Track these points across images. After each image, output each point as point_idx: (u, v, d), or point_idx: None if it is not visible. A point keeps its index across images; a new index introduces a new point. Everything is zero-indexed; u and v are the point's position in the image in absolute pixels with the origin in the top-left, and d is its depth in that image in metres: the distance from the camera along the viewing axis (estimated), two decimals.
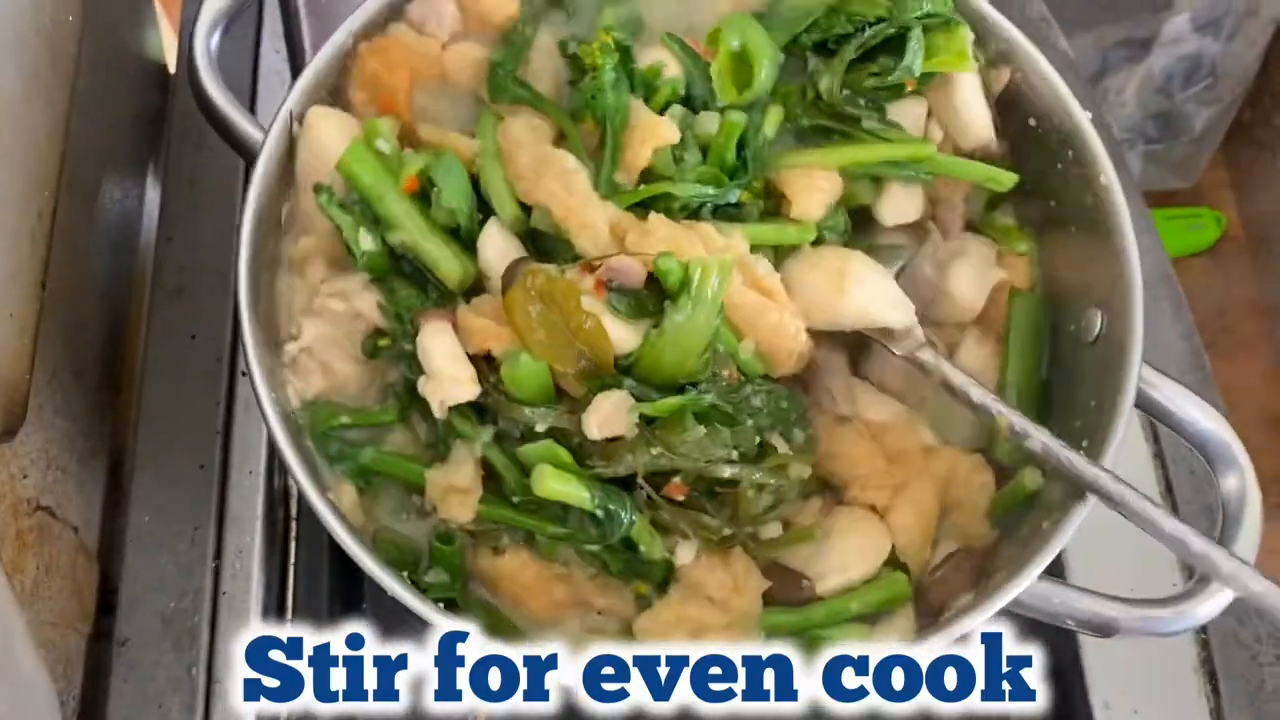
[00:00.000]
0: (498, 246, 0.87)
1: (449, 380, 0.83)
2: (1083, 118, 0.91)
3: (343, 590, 1.11)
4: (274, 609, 1.05)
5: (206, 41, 0.91)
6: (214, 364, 1.10)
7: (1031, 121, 0.94)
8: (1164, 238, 1.26)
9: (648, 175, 0.88)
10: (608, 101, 0.87)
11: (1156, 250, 1.22)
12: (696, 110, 0.92)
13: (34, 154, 0.77)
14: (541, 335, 0.81)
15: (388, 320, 0.88)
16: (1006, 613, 0.80)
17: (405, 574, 0.83)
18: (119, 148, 1.04)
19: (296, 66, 1.20)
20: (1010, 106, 0.95)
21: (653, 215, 0.84)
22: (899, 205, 0.94)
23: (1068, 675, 1.03)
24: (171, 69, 1.32)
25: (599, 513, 0.81)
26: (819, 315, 0.87)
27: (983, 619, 0.77)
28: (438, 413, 0.84)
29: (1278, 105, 2.11)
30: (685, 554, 0.84)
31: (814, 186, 0.88)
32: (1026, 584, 0.78)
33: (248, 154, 0.90)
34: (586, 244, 0.84)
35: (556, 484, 0.80)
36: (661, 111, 0.89)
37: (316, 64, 0.89)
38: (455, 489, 0.85)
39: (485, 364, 0.85)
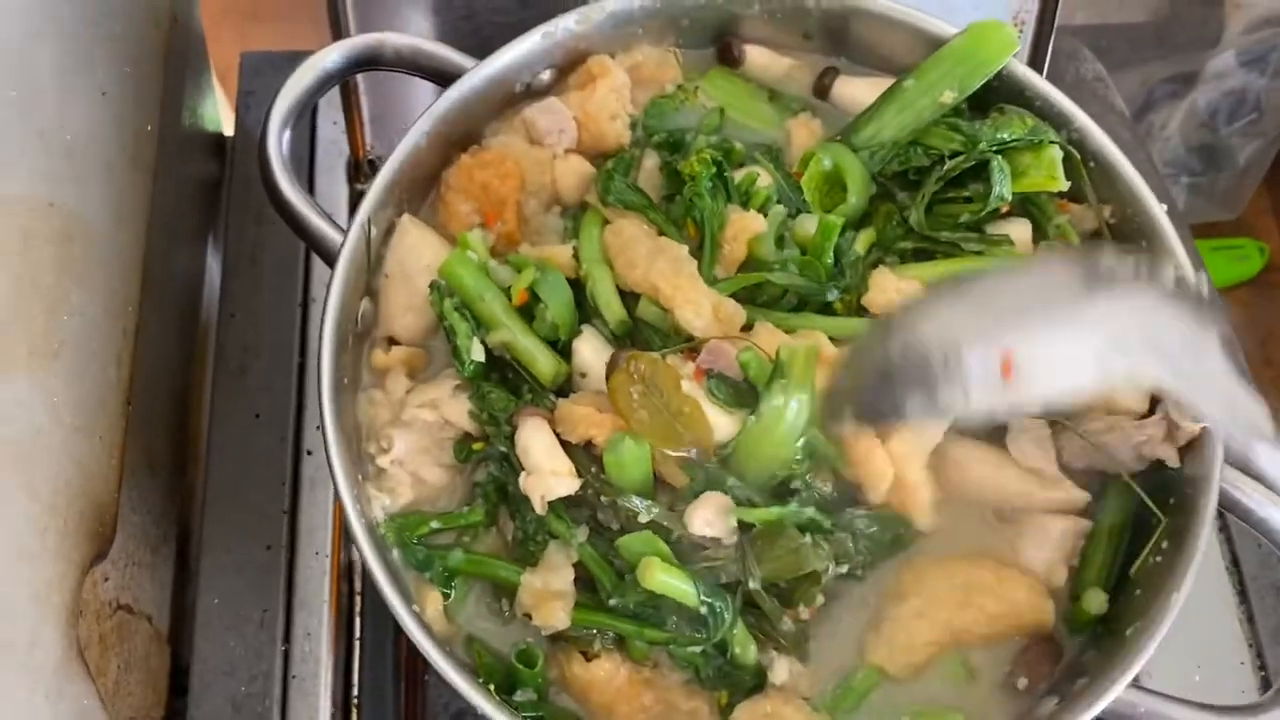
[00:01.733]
0: (594, 345, 0.89)
1: (549, 475, 0.84)
2: (1159, 210, 0.90)
3: (409, 664, 1.11)
4: (341, 688, 1.06)
5: (279, 139, 0.92)
6: (278, 443, 1.11)
7: (1109, 215, 0.93)
8: (1209, 268, 1.26)
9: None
10: (705, 204, 0.90)
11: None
12: None
13: (121, 276, 0.77)
14: (645, 417, 0.83)
15: (480, 424, 0.89)
16: None
17: (491, 685, 0.83)
18: (182, 220, 1.04)
19: (355, 143, 1.21)
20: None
21: (758, 324, 0.87)
22: None
23: None
24: (226, 132, 1.32)
25: (703, 609, 0.82)
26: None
27: None
28: (539, 508, 0.84)
29: None
30: (781, 671, 0.85)
31: (891, 288, 0.88)
32: (1116, 694, 0.78)
33: (322, 250, 0.90)
34: (690, 316, 0.86)
35: (664, 576, 0.80)
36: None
37: (390, 168, 0.90)
38: (550, 593, 0.85)
39: (585, 456, 0.86)
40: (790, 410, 0.82)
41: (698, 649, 0.84)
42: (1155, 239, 0.90)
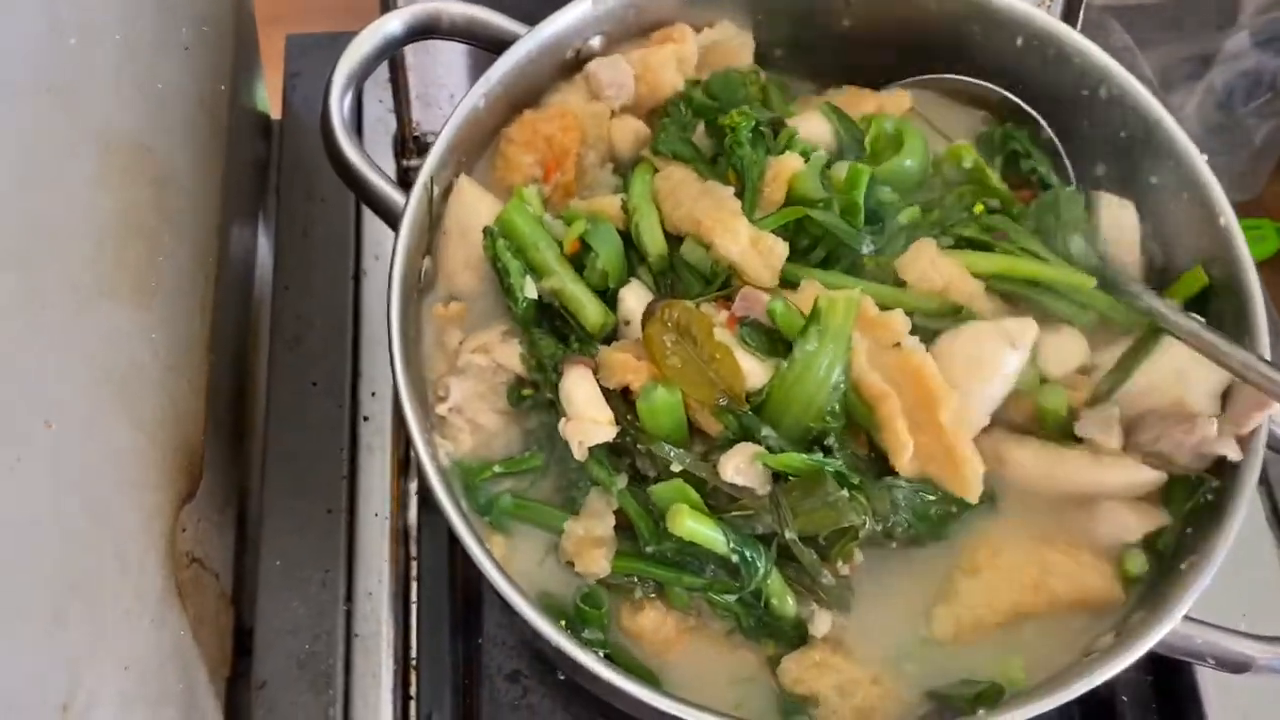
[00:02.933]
0: (639, 294, 0.91)
1: (589, 422, 0.86)
2: (1200, 162, 0.93)
3: (464, 625, 1.13)
4: (401, 647, 1.08)
5: (340, 104, 0.94)
6: (335, 410, 1.13)
7: (1153, 179, 0.95)
8: None
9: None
10: (745, 153, 0.92)
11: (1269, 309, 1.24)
12: None
13: (204, 226, 0.80)
14: (677, 364, 0.85)
15: (530, 370, 0.91)
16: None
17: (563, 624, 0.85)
18: (237, 199, 1.07)
19: (402, 119, 1.24)
20: (1133, 163, 0.98)
21: (803, 281, 0.88)
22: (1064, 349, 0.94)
23: (1184, 702, 1.04)
24: (273, 115, 1.35)
25: (734, 557, 0.83)
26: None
27: (1131, 661, 0.79)
28: (578, 454, 0.86)
29: None
30: (823, 624, 0.86)
31: (927, 258, 0.90)
32: (1172, 625, 0.80)
33: (386, 213, 0.93)
34: (728, 242, 0.88)
35: (692, 523, 0.82)
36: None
37: (450, 129, 0.92)
38: (591, 540, 0.87)
39: (624, 403, 0.88)
40: (823, 357, 0.83)
41: (734, 597, 0.85)
42: (1201, 191, 0.93)
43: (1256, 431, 0.86)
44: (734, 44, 1.04)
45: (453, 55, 1.21)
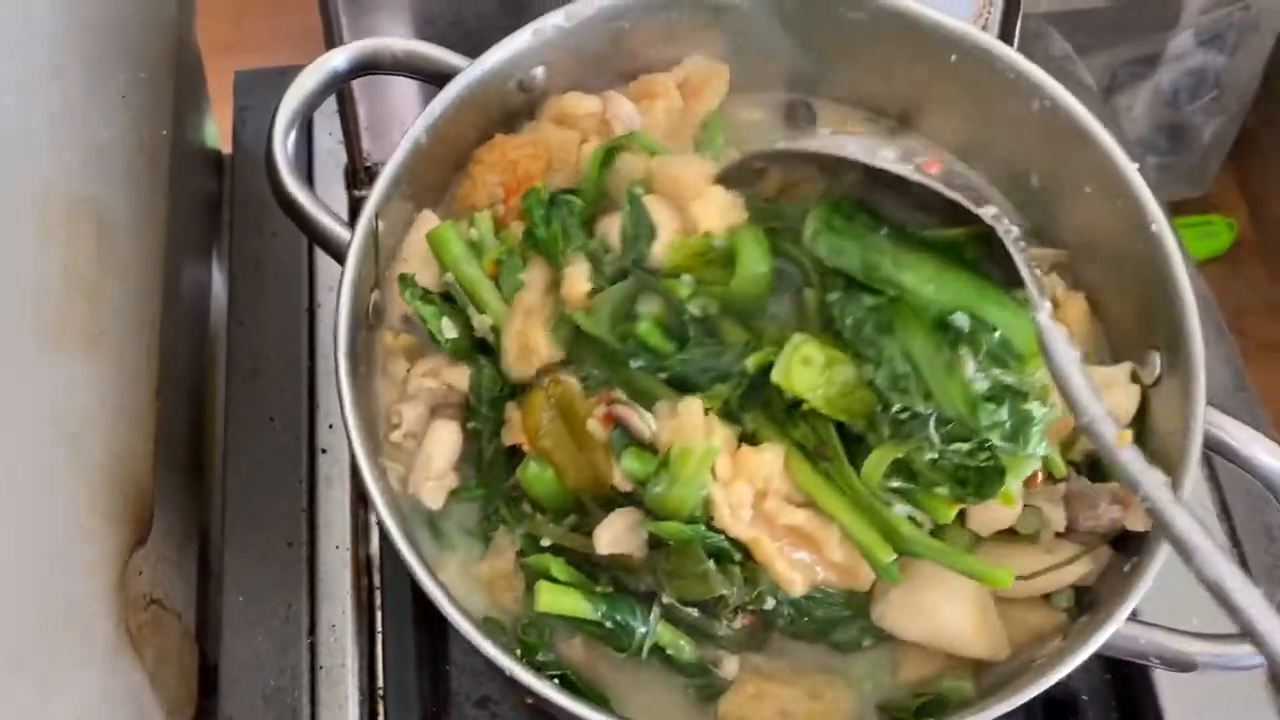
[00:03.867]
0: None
1: (432, 481, 0.89)
2: (1130, 169, 0.95)
3: (431, 653, 1.14)
4: (366, 678, 1.08)
5: (284, 142, 0.95)
6: (293, 443, 1.14)
7: (1087, 189, 0.97)
8: None
9: None
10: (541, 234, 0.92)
11: (1195, 277, 1.26)
12: None
13: (146, 272, 0.81)
14: (548, 444, 0.86)
15: (473, 400, 0.92)
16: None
17: (517, 651, 0.86)
18: (189, 235, 1.08)
19: (352, 151, 1.25)
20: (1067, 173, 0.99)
21: (687, 399, 0.84)
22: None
23: (1141, 699, 1.06)
24: (223, 151, 1.36)
25: (608, 624, 0.84)
26: (909, 624, 0.86)
27: (1077, 663, 0.80)
28: (432, 504, 0.89)
29: None
30: (730, 667, 0.87)
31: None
32: (1116, 627, 0.81)
33: (330, 246, 0.94)
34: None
35: (552, 598, 0.83)
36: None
37: (394, 163, 0.93)
38: (499, 576, 0.89)
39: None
40: (680, 501, 0.81)
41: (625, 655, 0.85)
42: (1129, 195, 0.95)
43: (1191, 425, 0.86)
44: (707, 76, 1.04)
45: (403, 87, 1.22)
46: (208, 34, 1.32)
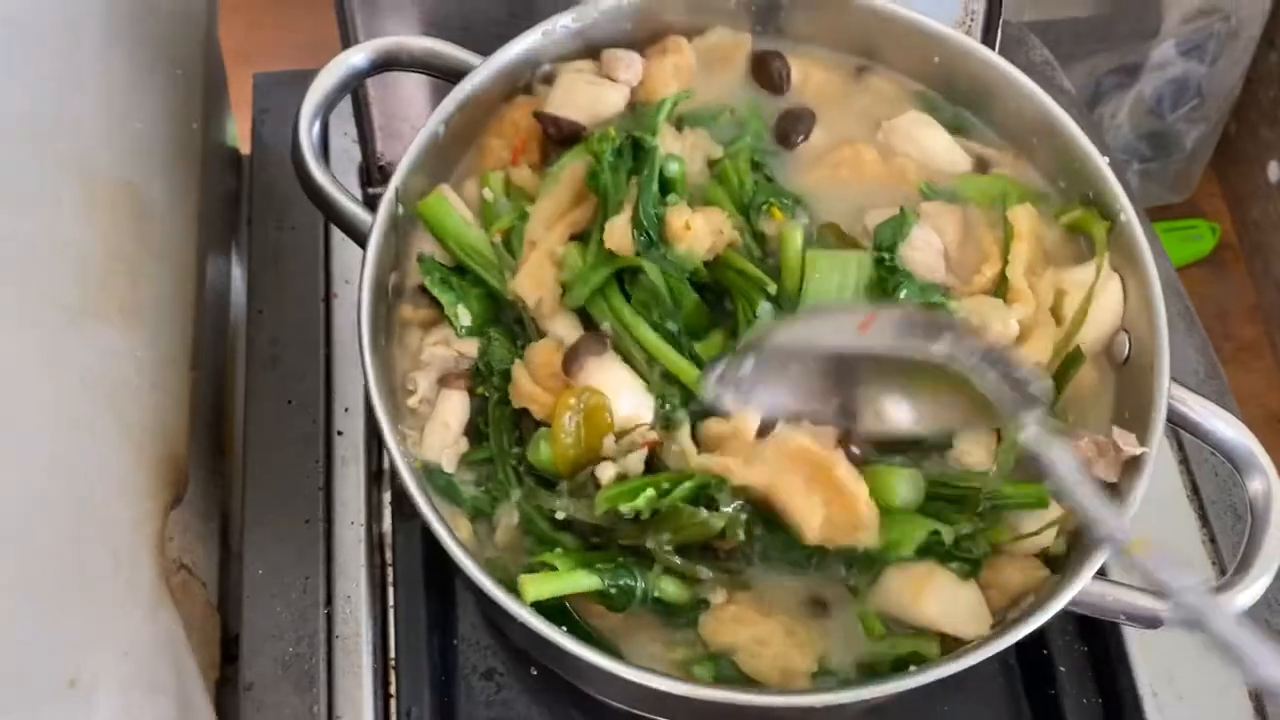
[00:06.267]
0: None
1: (440, 444, 0.94)
2: (1101, 161, 1.01)
3: (440, 626, 1.19)
4: (380, 647, 1.14)
5: (309, 132, 1.00)
6: (311, 426, 1.19)
7: (1062, 183, 1.03)
8: (1165, 249, 1.36)
9: None
10: (605, 178, 0.95)
11: (1166, 267, 1.32)
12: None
13: (183, 254, 0.87)
14: (568, 443, 0.89)
15: (481, 370, 0.97)
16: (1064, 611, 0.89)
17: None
18: (212, 230, 1.14)
19: (367, 150, 1.31)
20: (1046, 175, 1.06)
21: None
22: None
23: (1115, 667, 1.12)
24: (243, 151, 1.41)
25: (612, 590, 0.87)
26: (894, 610, 0.90)
27: (1048, 617, 0.86)
28: (448, 466, 0.94)
29: (1263, 119, 2.22)
30: (719, 595, 0.91)
31: None
32: (1083, 584, 0.87)
33: (354, 232, 0.99)
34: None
35: (536, 590, 0.85)
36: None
37: (411, 153, 0.98)
38: (508, 545, 0.93)
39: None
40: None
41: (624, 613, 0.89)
42: (1100, 186, 1.01)
43: (1155, 399, 0.91)
44: (729, 46, 1.10)
45: (412, 90, 1.28)
46: (223, 42, 1.38)
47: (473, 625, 1.17)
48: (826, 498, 0.86)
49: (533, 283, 0.93)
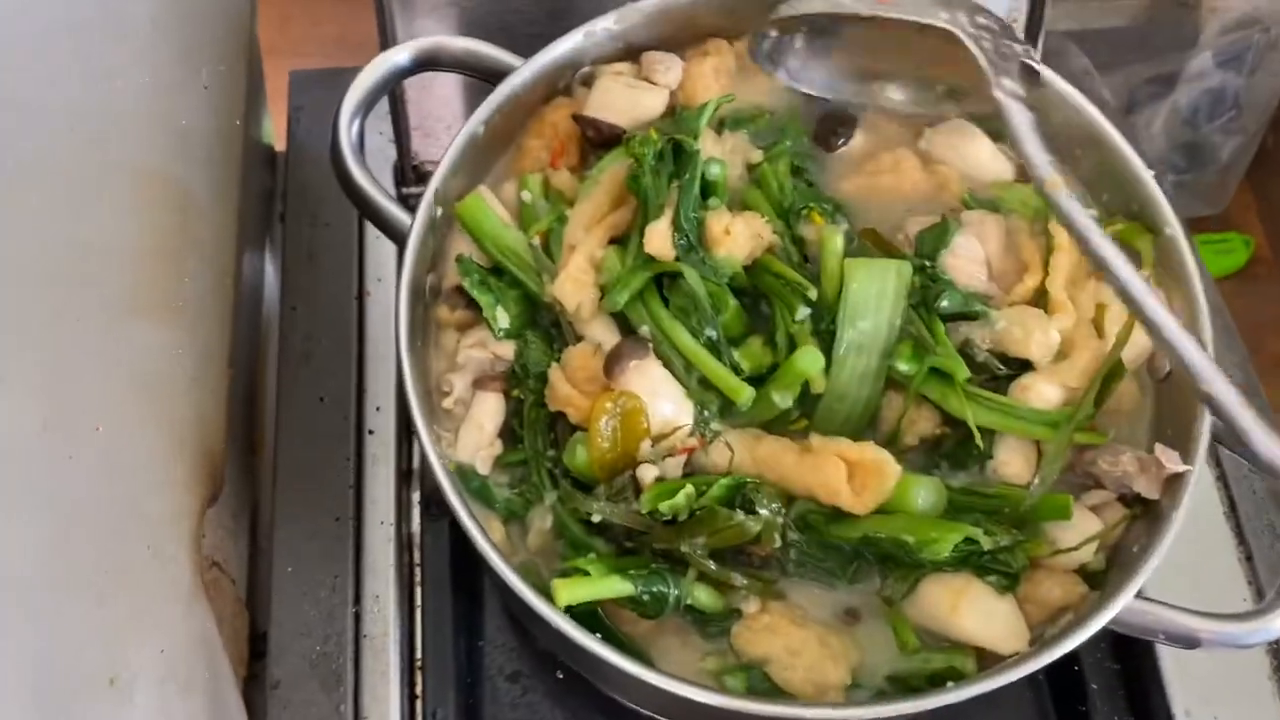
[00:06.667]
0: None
1: (474, 446, 0.94)
2: (1147, 175, 1.00)
3: (466, 628, 1.19)
4: (407, 648, 1.13)
5: (349, 131, 1.00)
6: (342, 423, 1.20)
7: (1105, 196, 1.03)
8: None
9: None
10: (646, 182, 0.95)
11: (1208, 282, 1.31)
12: None
13: (223, 250, 0.87)
14: (604, 447, 0.89)
15: (517, 372, 0.97)
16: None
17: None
18: (247, 226, 1.14)
19: (402, 150, 1.31)
20: (1089, 186, 1.05)
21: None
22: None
23: (1149, 686, 1.11)
24: (276, 148, 1.42)
25: (645, 597, 0.87)
26: (930, 623, 0.90)
27: (1088, 636, 0.85)
28: (482, 469, 0.94)
29: None
30: (753, 603, 0.90)
31: None
32: (1124, 603, 0.86)
33: (392, 232, 0.99)
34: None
35: (569, 594, 0.85)
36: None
37: (452, 153, 0.99)
38: (541, 549, 0.93)
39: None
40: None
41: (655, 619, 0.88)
42: (1146, 200, 1.00)
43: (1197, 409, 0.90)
44: None
45: (447, 91, 1.28)
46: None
47: (499, 626, 1.17)
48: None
49: (574, 286, 0.93)
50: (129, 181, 0.76)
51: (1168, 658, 1.10)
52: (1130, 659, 1.13)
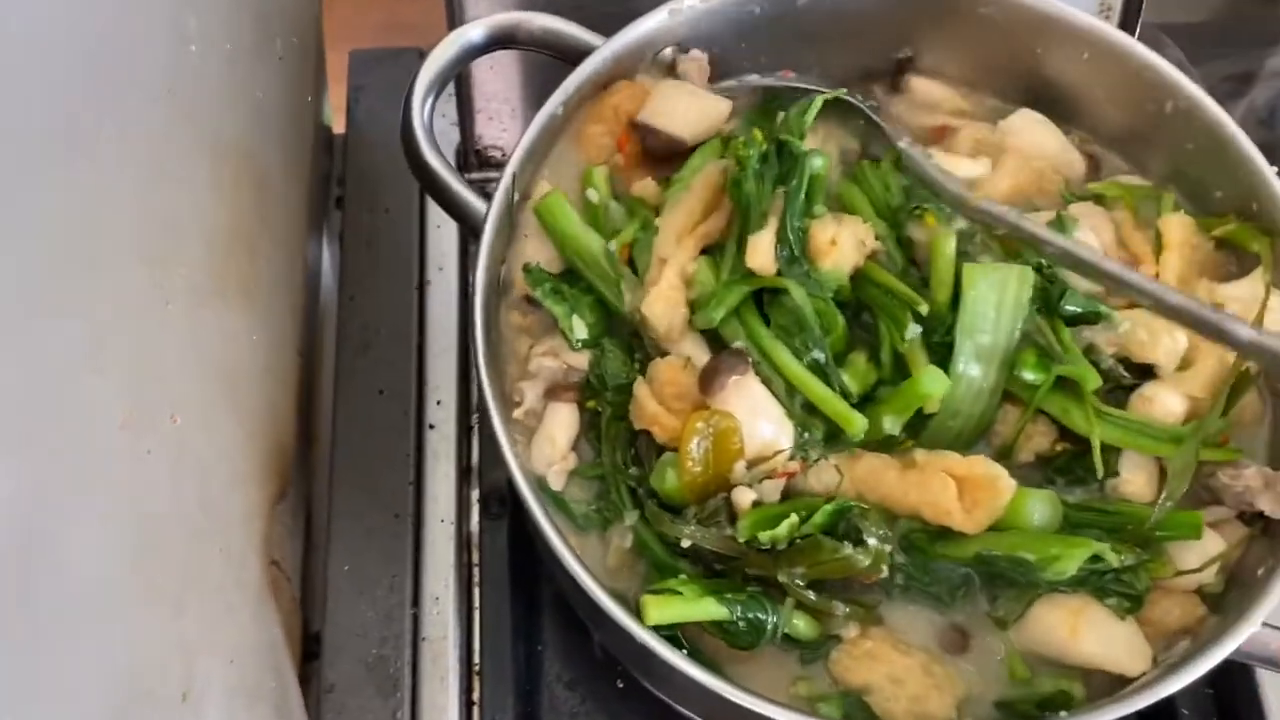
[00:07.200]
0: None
1: (546, 459, 0.89)
2: (1270, 173, 0.94)
3: (525, 633, 1.14)
4: (465, 652, 1.09)
5: (421, 111, 0.95)
6: (401, 417, 1.15)
7: (1218, 193, 0.97)
8: None
9: None
10: (749, 188, 0.89)
11: None
12: None
13: (295, 232, 0.82)
14: (694, 469, 0.83)
15: (594, 384, 0.92)
16: None
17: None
18: (307, 211, 1.09)
19: (466, 133, 1.26)
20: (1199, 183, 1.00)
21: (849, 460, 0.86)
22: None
23: (1245, 713, 1.04)
24: (335, 130, 1.37)
25: (741, 624, 0.82)
26: (1042, 648, 0.85)
27: (1215, 662, 0.79)
28: (554, 484, 0.89)
29: None
30: (851, 629, 0.86)
31: None
32: (1251, 630, 0.80)
33: (466, 219, 0.94)
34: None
35: (659, 614, 0.80)
36: None
37: (529, 136, 0.94)
38: (620, 561, 0.89)
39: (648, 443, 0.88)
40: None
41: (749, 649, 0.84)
42: (1266, 199, 0.94)
43: None
44: None
45: (513, 72, 1.23)
46: None
47: (557, 632, 1.12)
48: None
49: (665, 306, 0.87)
50: (210, 155, 0.71)
51: (1269, 684, 1.04)
52: (1225, 683, 1.07)
